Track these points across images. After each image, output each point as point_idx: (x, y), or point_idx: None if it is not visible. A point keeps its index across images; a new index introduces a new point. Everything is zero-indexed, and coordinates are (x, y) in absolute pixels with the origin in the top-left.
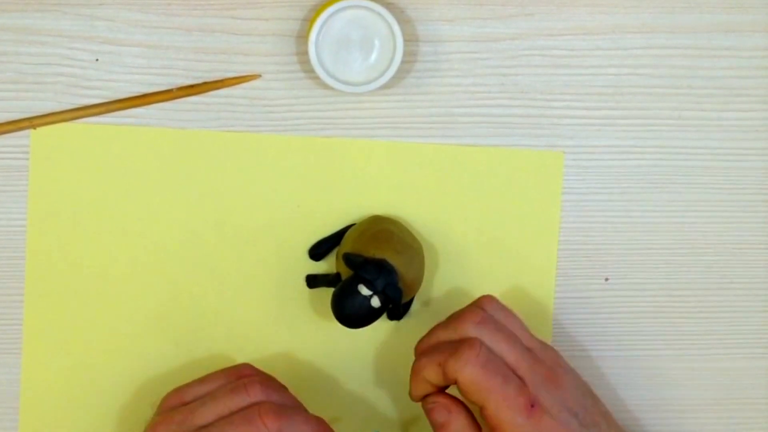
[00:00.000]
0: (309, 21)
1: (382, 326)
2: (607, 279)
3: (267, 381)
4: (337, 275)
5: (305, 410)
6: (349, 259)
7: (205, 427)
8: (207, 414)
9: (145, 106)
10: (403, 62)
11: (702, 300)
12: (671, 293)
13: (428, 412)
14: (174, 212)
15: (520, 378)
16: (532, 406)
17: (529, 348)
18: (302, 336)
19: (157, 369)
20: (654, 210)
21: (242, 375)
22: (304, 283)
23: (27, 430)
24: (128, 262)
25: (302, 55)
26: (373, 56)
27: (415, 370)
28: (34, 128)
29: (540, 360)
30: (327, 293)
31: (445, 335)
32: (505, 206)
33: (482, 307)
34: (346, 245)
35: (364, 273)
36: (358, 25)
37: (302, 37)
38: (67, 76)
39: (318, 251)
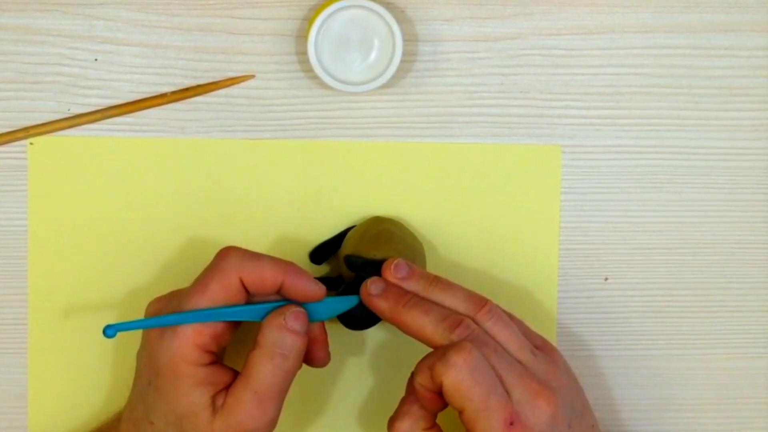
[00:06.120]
0: (308, 21)
1: (385, 327)
2: (606, 279)
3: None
4: (339, 278)
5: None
6: (350, 261)
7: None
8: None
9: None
10: (402, 62)
11: (701, 299)
12: (670, 293)
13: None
14: (175, 218)
15: (506, 391)
16: (512, 423)
17: (520, 360)
18: None
19: None
20: (653, 210)
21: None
22: None
23: (36, 430)
24: (130, 268)
25: (302, 54)
26: (373, 56)
27: (411, 378)
28: (30, 137)
29: (531, 374)
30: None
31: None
32: (505, 204)
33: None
34: (347, 247)
35: (366, 275)
36: (358, 25)
37: (302, 36)
38: (67, 75)
39: (319, 254)
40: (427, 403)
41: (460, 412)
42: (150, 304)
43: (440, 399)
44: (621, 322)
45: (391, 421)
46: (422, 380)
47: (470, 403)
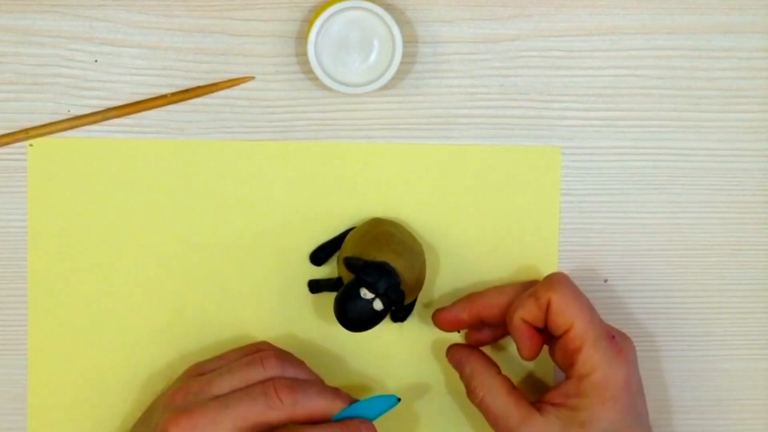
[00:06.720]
0: (308, 22)
1: (386, 328)
2: (606, 280)
3: (283, 355)
4: (339, 279)
5: (321, 382)
6: (350, 262)
7: (222, 396)
8: (223, 385)
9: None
10: (402, 63)
11: (701, 301)
12: (670, 294)
13: (450, 359)
14: (175, 221)
15: None
16: (613, 337)
17: None
18: (306, 341)
19: (161, 371)
20: (653, 211)
21: (259, 350)
22: (306, 289)
23: (36, 431)
24: (130, 269)
25: (301, 56)
26: (372, 57)
27: (509, 319)
28: (30, 139)
29: None
30: (330, 298)
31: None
32: (505, 205)
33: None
34: (347, 249)
35: (366, 276)
36: (357, 26)
37: (301, 38)
38: (66, 77)
39: (319, 256)
40: (525, 342)
41: (567, 332)
42: (189, 370)
43: (539, 336)
44: (620, 323)
45: (512, 312)
46: (525, 313)
47: (580, 314)
